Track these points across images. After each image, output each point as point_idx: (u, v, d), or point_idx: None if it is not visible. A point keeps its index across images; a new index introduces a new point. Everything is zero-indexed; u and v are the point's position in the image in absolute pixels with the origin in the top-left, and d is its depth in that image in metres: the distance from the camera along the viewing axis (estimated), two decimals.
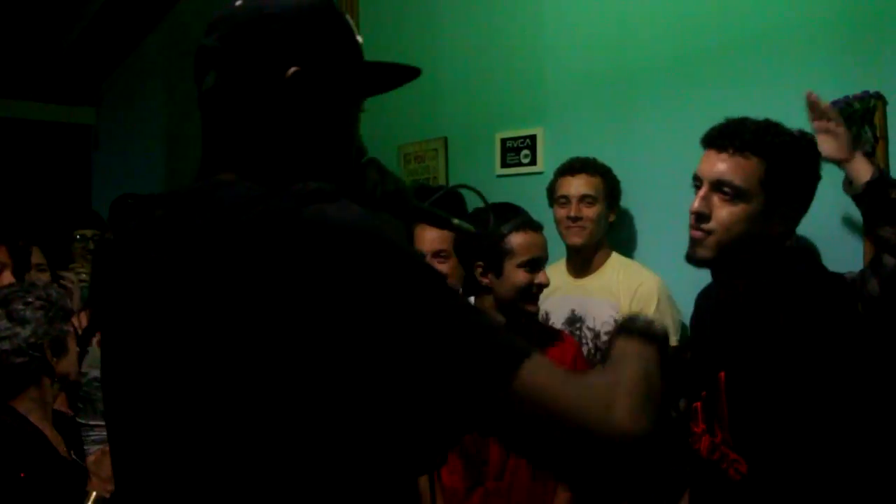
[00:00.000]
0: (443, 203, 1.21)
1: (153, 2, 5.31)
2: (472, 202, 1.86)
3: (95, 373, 2.45)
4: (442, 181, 3.43)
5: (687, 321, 2.03)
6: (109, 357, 0.99)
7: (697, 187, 1.53)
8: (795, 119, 2.16)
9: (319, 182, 0.87)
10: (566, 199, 2.55)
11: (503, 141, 3.19)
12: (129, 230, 0.97)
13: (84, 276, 3.19)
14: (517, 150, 3.15)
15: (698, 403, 1.65)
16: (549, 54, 3.08)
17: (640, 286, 2.46)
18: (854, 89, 2.13)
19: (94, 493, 1.91)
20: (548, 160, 3.00)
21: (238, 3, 0.96)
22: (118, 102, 6.15)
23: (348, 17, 1.02)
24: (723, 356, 1.59)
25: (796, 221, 1.54)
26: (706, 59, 2.55)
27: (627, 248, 2.76)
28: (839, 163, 1.68)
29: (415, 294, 0.79)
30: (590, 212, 2.53)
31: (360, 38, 1.01)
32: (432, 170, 3.50)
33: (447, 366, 0.77)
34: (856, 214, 2.12)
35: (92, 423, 2.49)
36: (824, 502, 1.44)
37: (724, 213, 1.47)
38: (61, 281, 3.01)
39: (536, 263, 2.00)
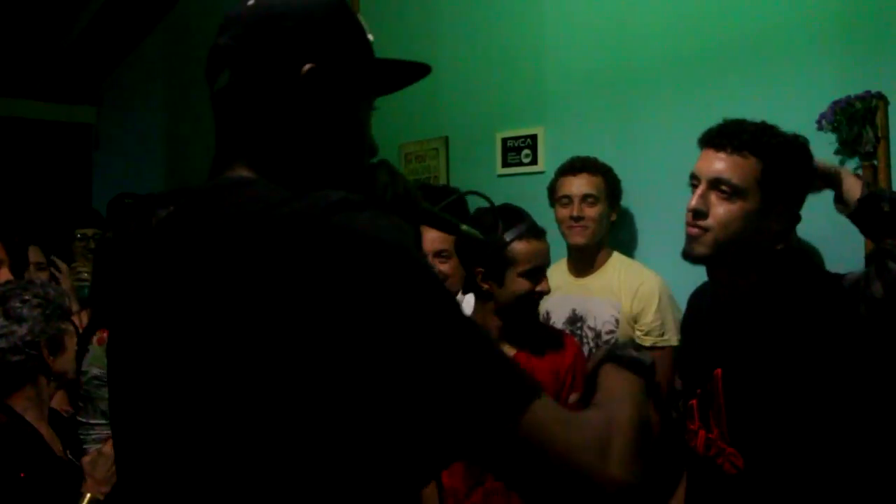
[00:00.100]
0: (446, 204, 1.21)
1: (154, 1, 5.31)
2: (474, 202, 1.85)
3: (96, 371, 2.45)
4: (443, 181, 3.43)
5: None
6: (118, 354, 0.98)
7: (695, 186, 1.55)
8: (796, 119, 2.16)
9: (337, 185, 0.87)
10: (568, 199, 2.55)
11: (504, 140, 3.19)
12: (139, 228, 0.97)
13: (85, 274, 3.19)
14: (518, 150, 3.14)
15: (694, 401, 1.66)
16: (550, 54, 3.07)
17: (641, 285, 2.46)
18: (855, 89, 2.13)
19: (88, 495, 1.90)
20: (548, 160, 3.00)
21: (250, 3, 0.96)
22: (119, 101, 6.15)
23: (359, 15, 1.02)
24: (719, 353, 1.60)
25: (791, 220, 1.56)
26: (707, 58, 2.55)
27: (628, 247, 2.76)
28: (831, 187, 1.66)
29: (435, 318, 0.79)
30: (592, 211, 2.53)
31: (370, 37, 1.01)
32: (433, 169, 3.50)
33: (459, 395, 0.77)
34: None
35: (92, 421, 2.49)
36: (821, 496, 1.46)
37: (721, 210, 1.50)
38: (52, 269, 3.01)
39: (538, 272, 1.99)
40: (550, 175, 2.71)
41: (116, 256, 2.32)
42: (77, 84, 6.11)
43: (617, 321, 2.44)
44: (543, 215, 2.27)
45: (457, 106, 3.42)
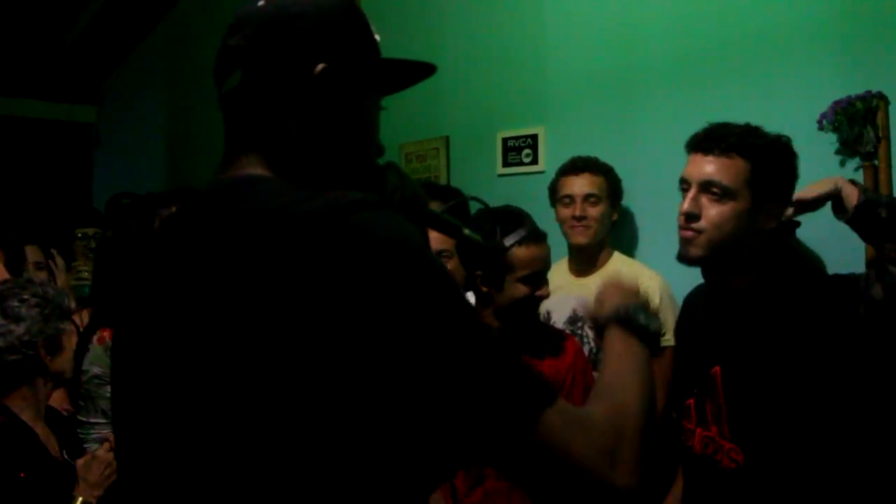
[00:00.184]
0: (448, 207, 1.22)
1: (154, 1, 5.31)
2: (475, 203, 1.85)
3: (96, 370, 2.45)
4: (443, 180, 3.43)
5: None
6: (123, 354, 0.98)
7: (685, 190, 1.59)
8: (796, 119, 2.17)
9: (348, 184, 0.89)
10: (570, 199, 2.55)
11: (504, 140, 3.19)
12: (143, 228, 0.97)
13: (85, 273, 3.19)
14: (518, 150, 3.14)
15: (691, 400, 1.67)
16: (551, 54, 3.07)
17: (642, 285, 2.45)
18: (856, 89, 2.13)
19: (80, 499, 1.90)
20: (549, 159, 3.00)
21: (261, 3, 0.97)
22: (119, 101, 6.16)
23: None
24: (717, 351, 1.61)
25: (780, 217, 1.59)
26: (707, 58, 2.55)
27: (629, 247, 2.76)
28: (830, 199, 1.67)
29: (453, 321, 0.80)
30: (594, 211, 2.53)
31: (377, 37, 1.02)
32: (433, 169, 3.50)
33: (477, 399, 0.78)
34: None
35: (93, 420, 2.49)
36: (820, 489, 1.47)
37: (713, 212, 1.54)
38: (50, 262, 3.01)
39: (537, 278, 1.98)
40: (551, 175, 2.71)
41: (121, 256, 2.31)
42: (77, 83, 6.11)
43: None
44: (544, 215, 2.27)
45: (457, 105, 3.42)
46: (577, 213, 2.52)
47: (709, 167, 1.55)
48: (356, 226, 0.80)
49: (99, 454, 1.97)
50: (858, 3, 2.22)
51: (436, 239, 2.37)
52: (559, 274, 2.54)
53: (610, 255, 2.60)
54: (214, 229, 0.88)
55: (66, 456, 2.01)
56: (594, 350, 2.44)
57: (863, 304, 1.47)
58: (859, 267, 1.77)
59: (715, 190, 1.53)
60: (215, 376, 0.82)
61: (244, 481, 0.80)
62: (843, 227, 1.62)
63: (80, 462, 1.96)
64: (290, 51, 0.94)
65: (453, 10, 3.47)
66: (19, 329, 1.90)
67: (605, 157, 2.62)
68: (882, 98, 2.11)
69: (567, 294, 2.55)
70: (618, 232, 2.71)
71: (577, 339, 2.37)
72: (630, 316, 1.04)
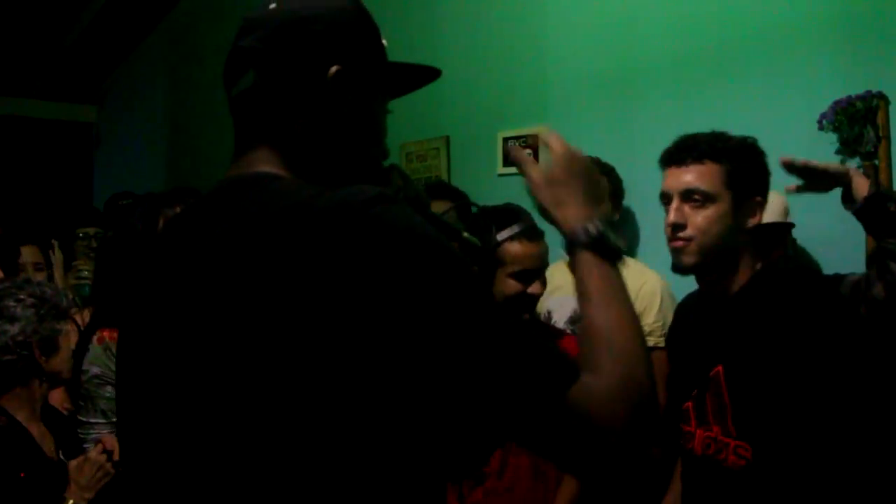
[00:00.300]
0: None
1: (155, 1, 5.31)
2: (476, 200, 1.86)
3: (96, 370, 2.45)
4: (444, 180, 3.43)
5: None
6: (131, 354, 0.98)
7: (667, 204, 1.64)
8: (796, 119, 2.16)
9: (357, 184, 0.88)
10: None
11: (505, 140, 3.19)
12: (147, 228, 0.97)
13: (86, 273, 3.19)
14: None
15: (689, 403, 1.67)
16: (552, 53, 3.08)
17: (644, 285, 2.46)
18: (856, 89, 2.13)
19: (70, 501, 1.89)
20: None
21: (272, 7, 0.98)
22: (119, 100, 6.16)
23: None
24: (717, 352, 1.62)
25: (762, 212, 1.64)
26: (708, 58, 2.55)
27: (629, 247, 2.76)
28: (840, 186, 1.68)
29: (477, 306, 0.82)
30: None
31: (384, 41, 1.04)
32: (434, 168, 3.50)
33: (508, 378, 0.79)
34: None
35: (92, 420, 2.49)
36: (830, 482, 1.48)
37: (699, 218, 1.59)
38: (50, 253, 3.01)
39: (529, 275, 1.96)
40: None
41: (124, 257, 2.31)
42: (78, 83, 6.12)
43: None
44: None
45: (458, 105, 3.42)
46: None
47: (686, 176, 1.61)
48: (376, 218, 0.81)
49: (91, 456, 1.96)
50: (858, 3, 2.22)
51: None
52: (560, 274, 2.53)
53: None
54: (227, 225, 0.88)
55: (61, 456, 2.01)
56: None
57: (864, 304, 1.48)
58: (859, 267, 1.78)
59: (696, 197, 1.59)
60: (236, 373, 0.82)
61: (266, 478, 0.80)
62: (843, 229, 1.62)
63: (72, 464, 1.95)
64: (304, 53, 0.95)
65: (454, 10, 3.47)
66: (13, 329, 1.88)
67: (606, 158, 2.62)
68: (882, 98, 2.11)
69: (567, 294, 2.55)
70: (618, 232, 2.70)
71: (577, 338, 2.37)
72: (603, 238, 1.00)
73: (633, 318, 0.92)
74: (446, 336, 0.79)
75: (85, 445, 2.27)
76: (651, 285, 2.45)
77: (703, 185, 1.59)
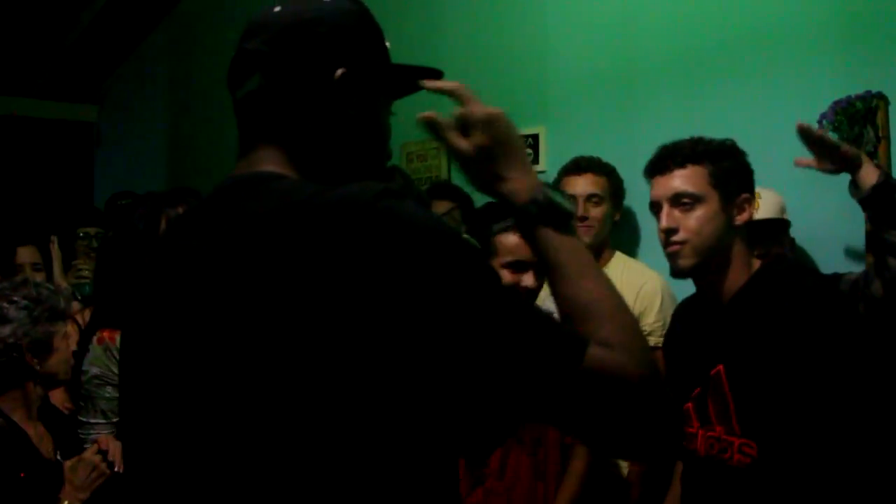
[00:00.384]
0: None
1: (156, 0, 5.31)
2: (478, 201, 1.86)
3: (96, 370, 2.45)
4: (445, 180, 3.43)
5: None
6: (135, 354, 0.97)
7: (657, 212, 1.67)
8: (796, 119, 2.16)
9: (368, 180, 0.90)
10: (573, 199, 2.55)
11: None
12: (149, 228, 0.97)
13: (86, 272, 3.18)
14: None
15: (689, 404, 1.68)
16: (552, 53, 3.08)
17: (644, 286, 2.46)
18: (856, 89, 2.13)
19: (65, 502, 1.89)
20: (550, 160, 3.00)
21: (277, 9, 0.99)
22: (120, 100, 6.15)
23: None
24: (718, 351, 1.63)
25: (750, 209, 1.66)
26: (708, 58, 2.56)
27: (630, 247, 2.76)
28: (848, 171, 1.70)
29: (489, 290, 0.83)
30: (597, 211, 2.53)
31: (387, 43, 1.05)
32: (434, 168, 3.50)
33: (528, 356, 0.81)
34: (858, 217, 2.12)
35: (92, 420, 2.49)
36: (835, 478, 1.49)
37: (690, 221, 1.62)
38: (51, 245, 3.01)
39: (521, 265, 1.97)
40: (552, 175, 2.71)
41: (126, 257, 2.31)
42: (79, 82, 6.11)
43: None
44: None
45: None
46: (580, 213, 2.52)
47: (672, 182, 1.64)
48: (384, 211, 0.82)
49: (86, 457, 1.96)
50: (858, 3, 2.22)
51: None
52: None
53: (611, 255, 2.60)
54: (232, 224, 0.89)
55: (58, 457, 2.00)
56: None
57: (862, 302, 1.48)
58: (858, 267, 1.78)
59: (685, 200, 1.62)
60: (250, 372, 0.82)
61: (283, 475, 0.81)
62: (842, 228, 1.62)
63: (67, 464, 1.95)
64: (310, 56, 0.96)
65: (454, 9, 3.47)
66: (5, 331, 1.88)
67: (607, 157, 2.62)
68: (882, 98, 2.12)
69: None
70: (619, 232, 2.71)
71: (561, 314, 2.37)
72: (553, 206, 0.95)
73: (608, 283, 0.93)
74: (466, 322, 0.80)
75: (85, 446, 2.28)
76: (652, 285, 2.46)
77: (689, 188, 1.62)
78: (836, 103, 2.16)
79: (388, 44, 1.05)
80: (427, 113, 1.00)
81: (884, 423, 1.50)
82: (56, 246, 3.17)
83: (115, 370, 2.40)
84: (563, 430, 0.86)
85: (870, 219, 1.61)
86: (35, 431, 1.96)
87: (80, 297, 2.95)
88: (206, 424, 0.85)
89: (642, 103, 2.75)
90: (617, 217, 2.63)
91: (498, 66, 3.27)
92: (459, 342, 0.80)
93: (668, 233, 1.63)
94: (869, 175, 1.59)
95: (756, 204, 1.82)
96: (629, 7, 2.81)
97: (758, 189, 1.74)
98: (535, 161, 3.09)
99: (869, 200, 1.58)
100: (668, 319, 2.38)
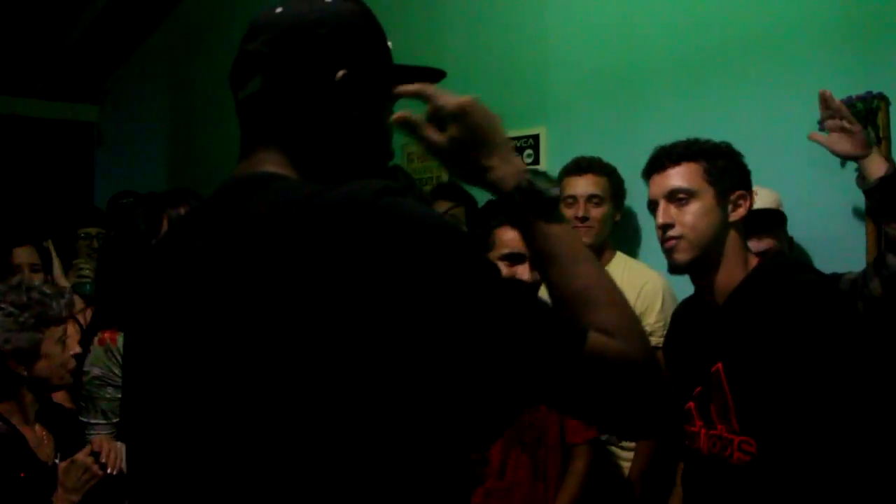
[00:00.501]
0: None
1: (157, 0, 5.31)
2: (480, 198, 1.87)
3: (97, 371, 2.45)
4: (445, 180, 3.43)
5: None
6: (138, 355, 0.98)
7: (655, 210, 1.69)
8: (796, 119, 2.17)
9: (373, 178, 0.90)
10: (573, 199, 2.55)
11: None
12: (150, 228, 0.97)
13: (87, 271, 3.18)
14: (520, 150, 3.14)
15: (691, 403, 1.68)
16: (552, 54, 3.08)
17: (645, 286, 2.46)
18: (857, 89, 2.13)
19: None
20: (551, 160, 3.00)
21: (278, 10, 0.99)
22: (121, 100, 6.15)
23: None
24: (717, 349, 1.63)
25: (746, 206, 1.68)
26: (709, 58, 2.56)
27: (630, 247, 2.76)
28: (856, 159, 1.72)
29: (490, 282, 0.84)
30: (597, 212, 2.53)
31: (389, 43, 1.05)
32: (435, 169, 3.50)
33: (533, 345, 0.82)
34: (858, 216, 2.12)
35: (93, 421, 2.49)
36: (837, 476, 1.49)
37: (686, 216, 1.64)
38: (44, 243, 3.01)
39: (516, 257, 1.99)
40: (552, 175, 2.71)
41: (127, 258, 2.30)
42: (79, 82, 6.11)
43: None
44: None
45: None
46: (580, 213, 2.52)
47: (668, 180, 1.67)
48: (386, 208, 0.83)
49: (78, 458, 1.95)
50: (858, 3, 2.22)
51: None
52: None
53: (612, 255, 2.60)
54: (234, 223, 0.89)
55: (58, 458, 1.99)
56: None
57: (861, 300, 1.48)
58: (857, 267, 1.78)
59: (680, 196, 1.64)
60: (255, 372, 0.82)
61: (288, 470, 0.81)
62: (842, 228, 1.62)
63: (60, 466, 1.94)
64: (312, 57, 0.96)
65: (455, 10, 3.47)
66: None
67: (607, 158, 2.62)
68: (882, 98, 2.12)
69: None
70: (620, 232, 2.71)
71: (554, 302, 2.37)
72: (538, 195, 0.95)
73: (599, 268, 0.95)
74: (469, 314, 0.81)
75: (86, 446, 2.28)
76: (653, 285, 2.46)
77: (684, 183, 1.65)
78: None
79: (390, 44, 1.05)
80: (399, 113, 0.99)
81: (883, 421, 1.50)
82: (52, 248, 3.15)
83: (116, 371, 2.40)
84: (567, 415, 0.88)
85: (871, 210, 1.62)
86: (33, 435, 1.96)
87: (83, 294, 2.95)
88: (211, 424, 0.85)
89: (643, 103, 2.75)
90: (618, 217, 2.63)
91: (498, 66, 3.27)
92: (463, 334, 0.81)
93: (665, 228, 1.66)
94: (877, 166, 1.61)
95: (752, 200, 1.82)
96: (629, 7, 2.82)
97: (755, 187, 1.75)
98: (536, 161, 3.09)
99: (874, 191, 1.59)
100: (670, 319, 2.40)
